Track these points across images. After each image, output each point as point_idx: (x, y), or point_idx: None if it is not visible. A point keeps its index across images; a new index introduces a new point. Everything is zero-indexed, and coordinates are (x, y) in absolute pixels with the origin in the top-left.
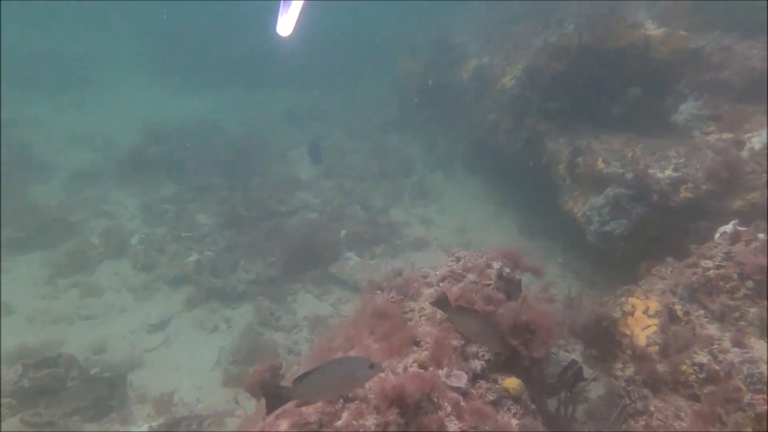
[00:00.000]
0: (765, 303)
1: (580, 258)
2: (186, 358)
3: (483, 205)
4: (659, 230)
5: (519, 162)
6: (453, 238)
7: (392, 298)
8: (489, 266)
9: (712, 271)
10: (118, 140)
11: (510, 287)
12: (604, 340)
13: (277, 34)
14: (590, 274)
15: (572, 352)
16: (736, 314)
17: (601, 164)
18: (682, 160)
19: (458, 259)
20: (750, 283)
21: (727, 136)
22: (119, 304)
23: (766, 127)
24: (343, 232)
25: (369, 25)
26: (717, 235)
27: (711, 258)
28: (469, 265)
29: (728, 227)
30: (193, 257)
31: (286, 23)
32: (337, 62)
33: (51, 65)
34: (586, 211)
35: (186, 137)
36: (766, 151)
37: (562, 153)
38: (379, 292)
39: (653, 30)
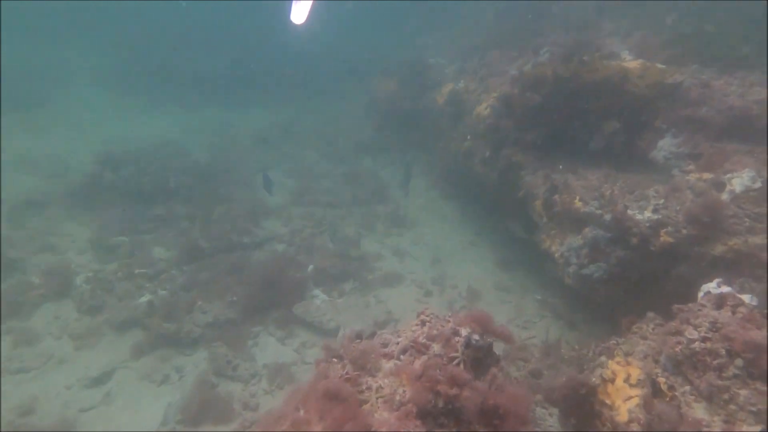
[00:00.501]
0: (756, 385)
1: (559, 295)
2: (128, 419)
3: (459, 233)
4: (639, 274)
5: (495, 192)
6: (427, 272)
7: (347, 373)
8: (456, 333)
9: (697, 343)
10: (73, 165)
11: (480, 355)
12: (583, 409)
13: (290, 24)
14: (569, 314)
15: (551, 416)
16: (726, 396)
17: (578, 203)
18: (662, 201)
19: (423, 323)
20: (739, 362)
21: (707, 176)
22: (57, 353)
23: (746, 168)
24: (311, 267)
25: (349, 42)
26: (701, 295)
27: (696, 327)
28: (435, 332)
29: (712, 286)
30: (145, 297)
31: (299, 12)
32: (314, 80)
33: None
34: (564, 252)
35: (149, 161)
36: (748, 194)
37: (539, 188)
38: (335, 360)
39: (630, 62)
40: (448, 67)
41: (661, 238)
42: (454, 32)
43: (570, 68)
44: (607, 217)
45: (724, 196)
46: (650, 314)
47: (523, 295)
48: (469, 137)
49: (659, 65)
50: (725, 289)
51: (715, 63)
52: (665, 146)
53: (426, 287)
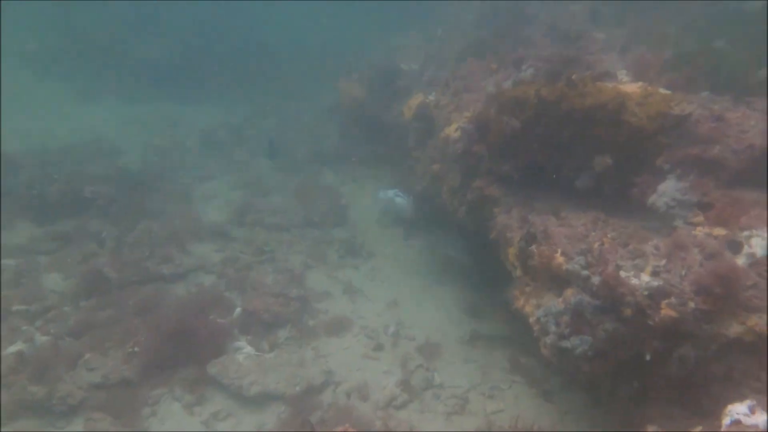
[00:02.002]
0: None
1: (534, 351)
2: None
3: (423, 268)
4: (634, 352)
5: (465, 227)
6: (381, 317)
7: None
8: None
9: None
10: None
11: None
12: None
13: None
14: (544, 380)
15: None
16: None
17: (560, 258)
18: (663, 262)
19: None
20: None
21: (719, 232)
22: None
23: None
24: (238, 309)
25: (317, 37)
26: (726, 422)
27: None
28: None
29: (742, 411)
30: (16, 346)
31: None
32: (276, 76)
33: None
34: (541, 316)
35: (61, 163)
36: None
37: (513, 231)
38: None
39: (627, 84)
40: (421, 73)
41: (662, 312)
42: (434, 33)
43: (556, 90)
44: (595, 279)
45: (741, 260)
46: (652, 429)
47: (491, 351)
48: (437, 159)
49: (662, 90)
50: (761, 419)
51: (729, 89)
52: (668, 191)
53: (377, 338)
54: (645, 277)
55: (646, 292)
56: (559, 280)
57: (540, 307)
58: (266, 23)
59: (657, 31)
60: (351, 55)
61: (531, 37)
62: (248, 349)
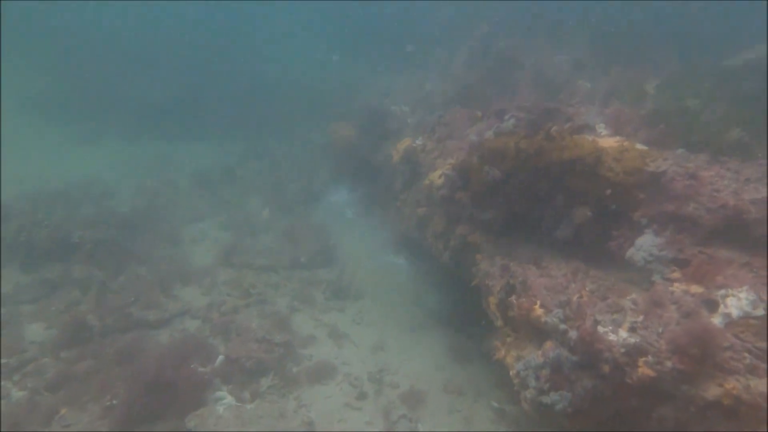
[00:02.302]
0: None
1: (519, 402)
2: None
3: (410, 311)
4: (613, 411)
5: (449, 271)
6: (366, 363)
7: None
8: None
9: None
10: None
11: None
12: None
13: None
14: (530, 429)
15: None
16: None
17: (539, 310)
18: (641, 318)
19: None
20: None
21: (695, 289)
22: None
23: (744, 286)
24: (221, 357)
25: (314, 76)
26: None
27: None
28: None
29: None
30: None
31: None
32: (271, 114)
33: None
34: (521, 370)
35: (51, 208)
36: (747, 321)
37: (494, 280)
38: None
39: (605, 138)
40: (411, 116)
41: (640, 370)
42: (426, 76)
43: (535, 143)
44: (573, 334)
45: (717, 320)
46: None
47: (476, 399)
48: (423, 203)
49: (639, 146)
50: None
51: (703, 147)
52: (645, 246)
53: (361, 386)
54: (623, 333)
55: (623, 349)
56: (539, 332)
57: (520, 359)
58: (264, 62)
59: (636, 85)
60: (346, 95)
61: (518, 84)
62: (229, 399)
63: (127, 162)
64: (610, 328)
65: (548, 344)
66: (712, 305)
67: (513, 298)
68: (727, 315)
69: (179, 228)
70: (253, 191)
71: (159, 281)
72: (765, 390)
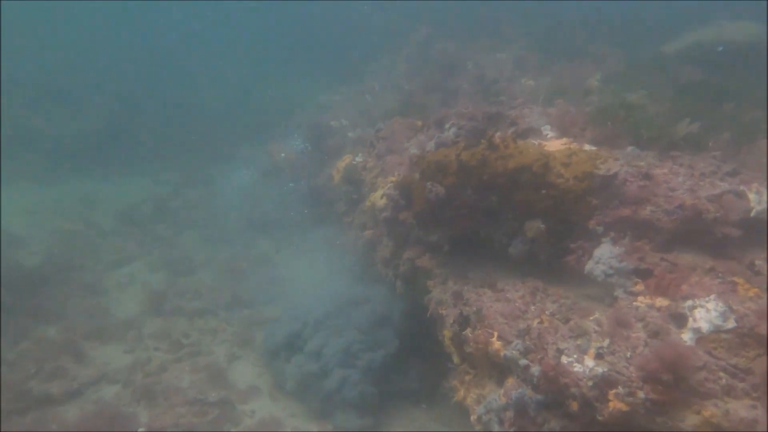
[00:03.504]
0: None
1: None
2: None
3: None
4: None
5: (405, 302)
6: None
7: None
8: None
9: None
10: None
11: None
12: None
13: None
14: None
15: None
16: None
17: (496, 343)
18: (606, 342)
19: None
20: None
21: (661, 302)
22: None
23: (711, 296)
24: (141, 430)
25: (248, 95)
26: None
27: None
28: None
29: None
30: None
31: None
32: (206, 138)
33: None
34: (482, 414)
35: None
36: (719, 336)
37: (447, 309)
38: None
39: (552, 141)
40: (351, 130)
41: (611, 404)
42: (367, 86)
43: (477, 154)
44: (535, 369)
45: (687, 336)
46: None
47: None
48: (369, 225)
49: (587, 147)
50: None
51: (652, 144)
52: (603, 257)
53: None
54: (589, 362)
55: (590, 382)
56: (499, 367)
57: (481, 401)
58: (194, 80)
59: (580, 81)
60: (286, 111)
61: (459, 88)
62: None
63: (42, 206)
64: (575, 356)
65: (510, 381)
66: (680, 319)
67: (468, 331)
68: (697, 330)
69: (102, 274)
70: (189, 224)
71: (70, 343)
72: (745, 415)
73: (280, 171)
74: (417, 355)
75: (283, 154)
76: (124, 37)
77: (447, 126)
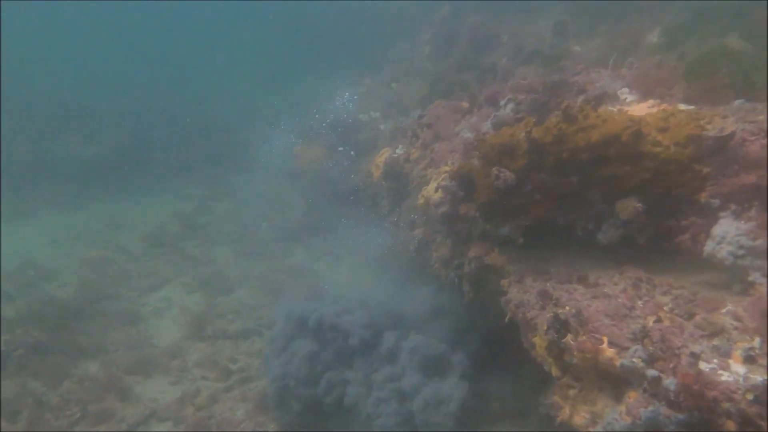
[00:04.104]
0: None
1: None
2: None
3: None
4: None
5: (471, 307)
6: None
7: None
8: None
9: None
10: None
11: None
12: None
13: None
14: None
15: None
16: None
17: (609, 351)
18: (756, 341)
19: None
20: None
21: None
22: None
23: None
24: None
25: (265, 101)
26: None
27: None
28: None
29: None
30: None
31: None
32: (228, 147)
33: None
34: None
35: None
36: None
37: (533, 311)
38: None
39: (635, 105)
40: (383, 122)
41: None
42: (390, 74)
43: (551, 129)
44: (669, 382)
45: None
46: None
47: None
48: (419, 223)
49: (683, 106)
50: None
51: (756, 95)
52: (728, 235)
53: None
54: (737, 368)
55: (750, 395)
56: (611, 378)
57: (596, 420)
58: (210, 93)
59: (635, 38)
60: (306, 110)
61: (497, 65)
62: None
63: (68, 234)
64: (716, 361)
65: (632, 396)
66: None
67: (569, 338)
68: None
69: (138, 301)
70: (219, 240)
71: (113, 379)
72: None
73: (308, 173)
74: (499, 367)
75: (308, 155)
76: (135, 53)
77: (502, 103)
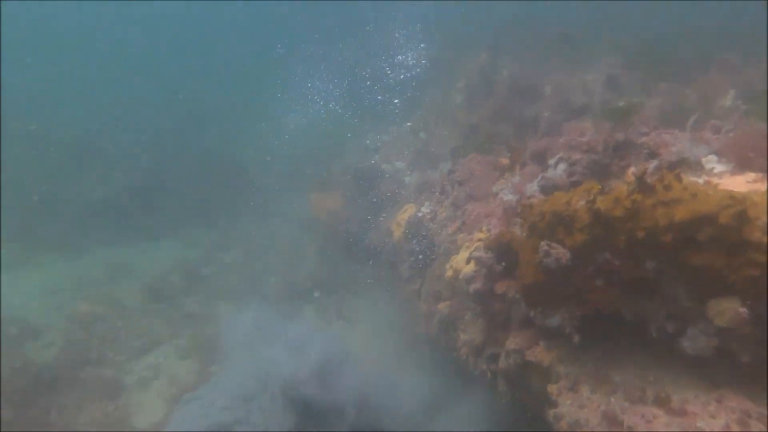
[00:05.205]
0: None
1: None
2: None
3: None
4: None
5: (507, 411)
6: None
7: None
8: None
9: None
10: None
11: None
12: None
13: None
14: None
15: None
16: None
17: None
18: None
19: None
20: None
21: None
22: None
23: None
24: None
25: (283, 146)
26: None
27: None
28: None
29: None
30: None
31: None
32: (242, 193)
33: None
34: None
35: None
36: None
37: None
38: None
39: (727, 177)
40: (409, 174)
41: None
42: (418, 123)
43: (622, 201)
44: None
45: None
46: None
47: None
48: (445, 296)
49: None
50: None
51: None
52: None
53: None
54: None
55: None
56: None
57: None
58: (226, 135)
59: (708, 98)
60: (327, 157)
61: (539, 118)
62: None
63: (65, 283)
64: None
65: None
66: None
67: None
68: None
69: (124, 367)
70: (222, 295)
71: None
72: None
73: (323, 225)
74: None
75: (325, 205)
76: (160, 85)
77: (552, 162)
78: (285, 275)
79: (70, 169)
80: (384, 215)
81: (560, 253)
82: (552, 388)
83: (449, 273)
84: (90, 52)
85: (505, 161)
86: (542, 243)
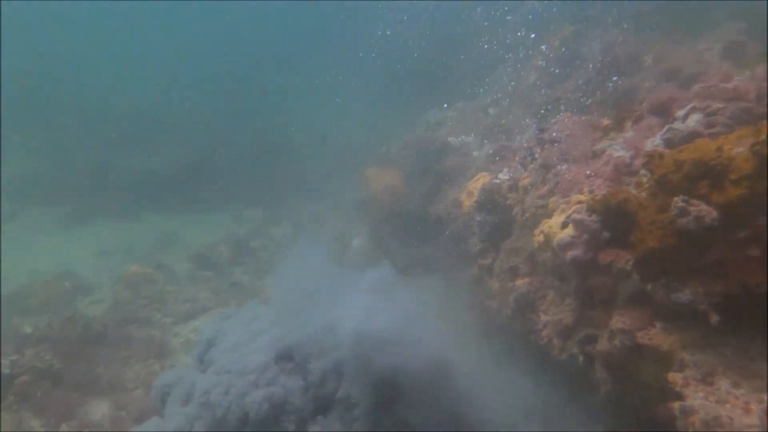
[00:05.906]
0: None
1: None
2: None
3: None
4: None
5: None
6: None
7: None
8: None
9: None
10: None
11: None
12: None
13: None
14: None
15: None
16: None
17: None
18: None
19: None
20: None
21: None
22: None
23: None
24: None
25: (339, 126)
26: None
27: None
28: None
29: None
30: None
31: None
32: (294, 172)
33: None
34: None
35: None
36: None
37: None
38: None
39: None
40: (477, 148)
41: None
42: (486, 101)
43: None
44: None
45: None
46: None
47: None
48: (524, 272)
49: None
50: None
51: None
52: None
53: None
54: None
55: None
56: None
57: None
58: (280, 114)
59: None
60: (382, 140)
61: (637, 89)
62: None
63: (118, 246)
64: None
65: None
66: None
67: None
68: None
69: (170, 329)
70: (269, 268)
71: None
72: None
73: (379, 201)
74: None
75: (383, 181)
76: (208, 70)
77: (681, 113)
78: (334, 254)
79: (127, 144)
80: (449, 186)
81: (703, 210)
82: (675, 377)
83: (539, 238)
84: (155, 37)
85: (605, 122)
86: (676, 199)
